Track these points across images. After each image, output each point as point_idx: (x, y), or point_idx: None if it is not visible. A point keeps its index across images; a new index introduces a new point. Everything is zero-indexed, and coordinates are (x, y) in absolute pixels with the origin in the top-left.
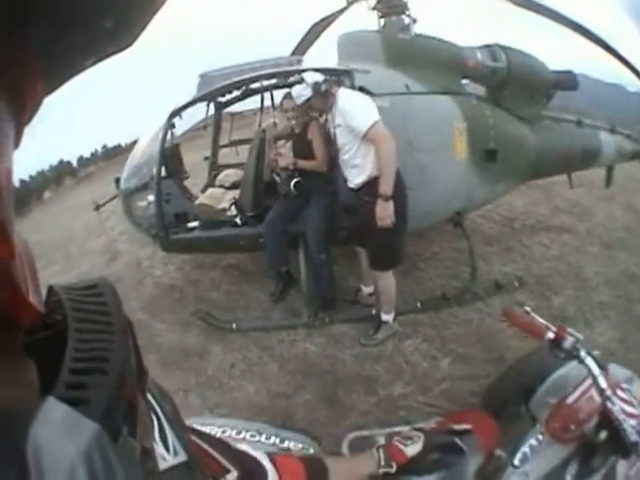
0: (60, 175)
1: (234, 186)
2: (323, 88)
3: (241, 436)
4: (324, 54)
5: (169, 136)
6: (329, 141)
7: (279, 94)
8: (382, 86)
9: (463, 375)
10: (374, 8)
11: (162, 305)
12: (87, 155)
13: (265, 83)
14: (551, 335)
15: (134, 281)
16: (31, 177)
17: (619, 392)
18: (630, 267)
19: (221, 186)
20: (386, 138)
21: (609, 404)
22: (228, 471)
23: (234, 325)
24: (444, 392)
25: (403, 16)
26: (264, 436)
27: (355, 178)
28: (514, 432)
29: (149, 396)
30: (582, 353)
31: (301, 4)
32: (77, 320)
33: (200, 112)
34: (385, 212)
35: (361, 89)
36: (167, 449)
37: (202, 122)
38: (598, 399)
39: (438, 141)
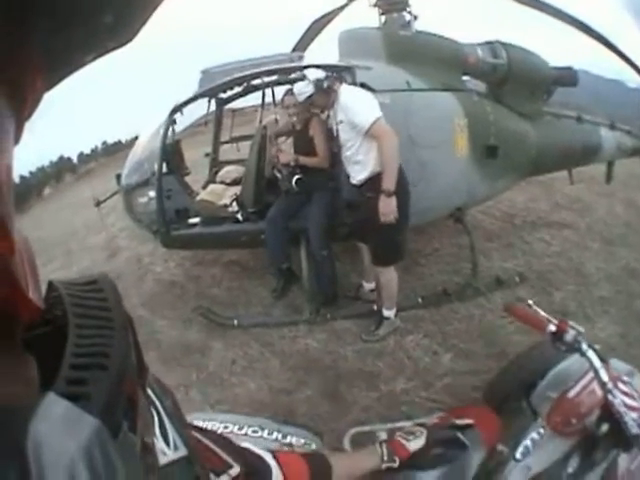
0: (60, 171)
1: (235, 182)
2: (325, 85)
3: (243, 431)
4: (325, 51)
5: (170, 132)
6: (330, 137)
7: (280, 90)
8: (383, 83)
9: (465, 370)
10: (375, 5)
11: (163, 301)
12: (87, 151)
13: (266, 79)
14: (553, 328)
15: (135, 277)
16: (31, 173)
17: (620, 385)
18: (631, 263)
19: (222, 182)
20: (388, 134)
21: (610, 397)
22: (231, 466)
23: (235, 321)
24: (446, 387)
25: (404, 13)
26: (266, 431)
27: (358, 174)
28: (516, 426)
29: (149, 391)
30: (584, 346)
31: (302, 1)
32: (77, 316)
33: (201, 108)
34: (388, 208)
35: (362, 85)
36: (167, 444)
37: (203, 118)
38: (599, 393)
39: (439, 137)
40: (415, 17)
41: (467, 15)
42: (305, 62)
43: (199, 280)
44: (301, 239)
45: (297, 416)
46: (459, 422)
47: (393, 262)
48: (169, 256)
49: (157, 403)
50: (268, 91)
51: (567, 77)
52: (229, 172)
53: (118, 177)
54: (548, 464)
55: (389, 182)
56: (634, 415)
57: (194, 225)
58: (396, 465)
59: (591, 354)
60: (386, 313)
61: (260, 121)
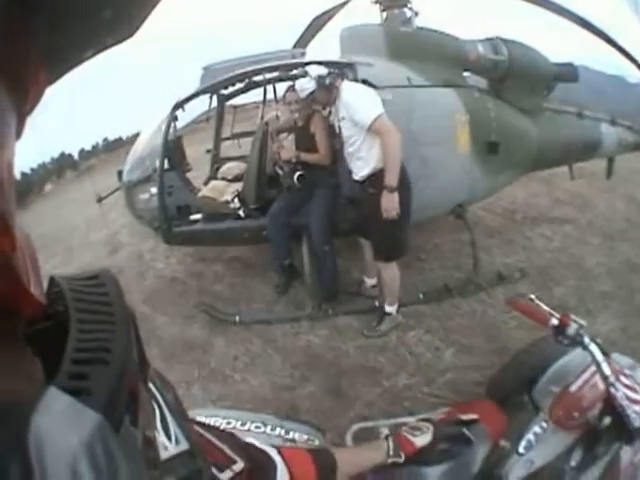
0: (61, 168)
1: (237, 179)
2: (327, 81)
3: (246, 427)
4: (326, 47)
5: (172, 129)
6: (332, 134)
7: (282, 87)
8: (385, 79)
9: (467, 365)
10: (376, 1)
11: (164, 298)
12: (88, 148)
13: (268, 76)
14: (555, 322)
15: (136, 274)
16: (32, 169)
17: (622, 378)
18: (632, 257)
19: (224, 179)
20: (391, 130)
21: (613, 390)
22: (234, 462)
23: (237, 318)
24: (448, 383)
25: (405, 9)
26: (269, 427)
27: (360, 170)
28: (518, 421)
29: (150, 385)
30: (586, 339)
31: None
32: (79, 310)
33: (202, 105)
34: (390, 204)
35: (364, 82)
36: (169, 438)
37: (204, 115)
38: (601, 386)
39: (440, 133)
40: (416, 13)
41: (468, 11)
42: (307, 58)
43: (201, 276)
44: (303, 235)
45: (300, 412)
46: (465, 417)
47: (395, 258)
48: (170, 252)
49: (158, 397)
50: (270, 87)
51: (568, 73)
52: (230, 168)
53: (119, 173)
54: (551, 458)
55: (391, 178)
56: (636, 408)
57: (196, 221)
58: (402, 460)
59: (593, 347)
60: (388, 309)
61: (261, 117)
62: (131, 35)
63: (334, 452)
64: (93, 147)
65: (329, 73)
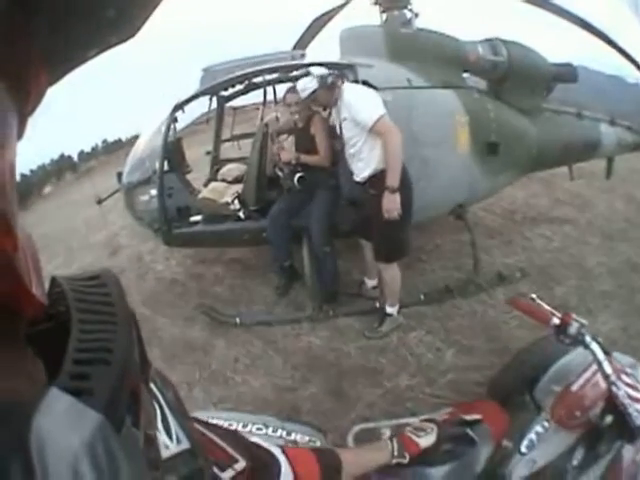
0: (61, 169)
1: (237, 180)
2: (329, 80)
3: (247, 429)
4: (325, 49)
5: (171, 130)
6: (332, 135)
7: (282, 88)
8: (385, 80)
9: (468, 366)
10: (376, 2)
11: (164, 299)
12: (88, 149)
13: (268, 77)
14: (556, 321)
15: (136, 275)
16: (32, 171)
17: (624, 377)
18: (632, 257)
19: (223, 180)
20: (393, 131)
21: (614, 389)
22: (236, 461)
23: (238, 319)
24: (449, 383)
25: (405, 10)
26: (270, 429)
27: (361, 172)
28: (520, 421)
29: (151, 384)
30: (587, 338)
31: None
32: (80, 311)
33: (202, 106)
34: (392, 204)
35: (364, 83)
36: (170, 437)
37: (204, 116)
38: (603, 385)
39: (440, 134)
40: (416, 14)
41: (467, 12)
42: (306, 60)
43: (201, 278)
44: (303, 237)
45: (301, 413)
46: (468, 418)
47: (396, 259)
48: (170, 254)
49: (159, 396)
50: (270, 89)
51: (567, 73)
52: (230, 170)
53: (119, 175)
54: (553, 457)
55: (393, 179)
56: (638, 406)
57: (195, 223)
58: (406, 461)
59: (595, 347)
60: (389, 310)
61: (261, 119)
62: (133, 35)
63: (339, 452)
64: (92, 149)
65: (331, 73)
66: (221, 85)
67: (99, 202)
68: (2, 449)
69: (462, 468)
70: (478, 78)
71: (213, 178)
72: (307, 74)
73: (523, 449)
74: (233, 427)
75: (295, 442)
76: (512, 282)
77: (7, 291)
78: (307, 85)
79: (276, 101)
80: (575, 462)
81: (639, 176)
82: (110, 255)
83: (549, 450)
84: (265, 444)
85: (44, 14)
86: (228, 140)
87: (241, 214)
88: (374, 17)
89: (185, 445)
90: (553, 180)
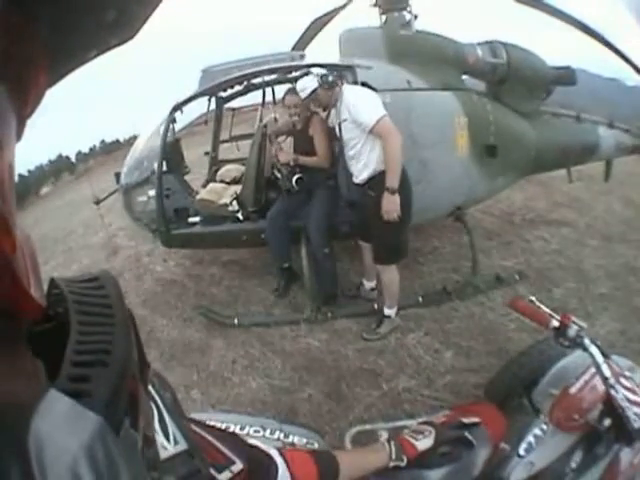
0: (59, 170)
1: (235, 181)
2: (330, 79)
3: (245, 431)
4: (324, 50)
5: (170, 131)
6: (331, 137)
7: (280, 89)
8: (384, 82)
9: (466, 368)
10: (375, 4)
11: (162, 300)
12: (86, 150)
13: (266, 78)
14: (555, 323)
15: (134, 276)
16: (29, 171)
17: (622, 380)
18: (630, 260)
19: (222, 181)
20: (393, 132)
21: (613, 392)
22: (233, 462)
23: (236, 320)
24: (448, 385)
25: (404, 12)
26: (268, 431)
27: (360, 173)
28: (518, 423)
29: (149, 386)
30: (586, 341)
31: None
32: (79, 313)
33: (201, 107)
34: (392, 205)
35: (363, 85)
36: (167, 438)
37: (203, 117)
38: (601, 388)
39: (440, 136)
40: (415, 16)
41: (467, 15)
42: (305, 61)
43: (199, 279)
44: (302, 238)
45: (299, 415)
46: (466, 421)
47: (395, 261)
48: (168, 255)
49: (157, 397)
50: (268, 90)
51: (566, 76)
52: (229, 171)
53: (117, 176)
54: (551, 460)
55: (393, 180)
56: (636, 410)
57: (194, 224)
58: (404, 464)
59: (594, 349)
60: (387, 311)
61: (260, 120)
62: (133, 36)
63: (336, 455)
64: (90, 149)
65: (331, 72)
66: (220, 86)
67: (97, 203)
68: (1, 451)
69: (460, 471)
70: (477, 80)
71: (212, 179)
72: (307, 74)
73: (521, 452)
74: (231, 429)
75: (293, 444)
76: (510, 284)
77: (5, 292)
78: (307, 84)
79: (275, 102)
80: (573, 465)
81: (637, 179)
82: (108, 256)
83: (547, 453)
84: (263, 446)
85: (44, 16)
86: (227, 141)
87: (239, 215)
88: (373, 19)
89: (182, 446)
90: (551, 183)
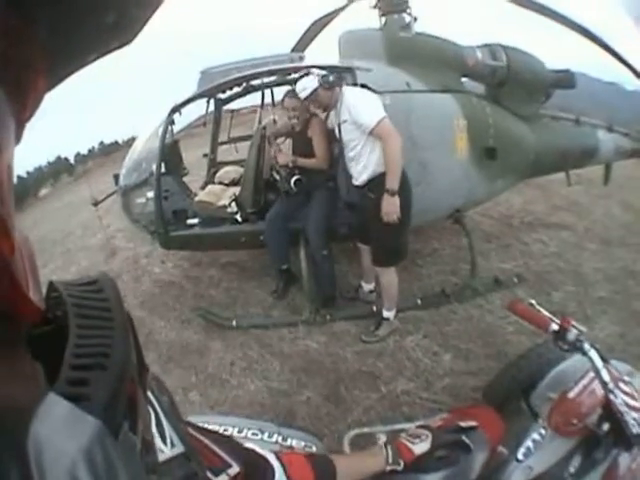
0: (57, 171)
1: (234, 183)
2: (330, 79)
3: (243, 434)
4: (324, 51)
5: (169, 133)
6: (330, 138)
7: (280, 91)
8: (383, 84)
9: (464, 371)
10: (375, 6)
11: (161, 302)
12: (84, 152)
13: (265, 80)
14: (555, 327)
15: (132, 278)
16: (28, 173)
17: (621, 385)
18: (629, 264)
19: (221, 183)
20: (393, 134)
21: (612, 397)
22: (229, 466)
23: (234, 322)
24: (446, 388)
25: (404, 14)
26: (266, 434)
27: (360, 175)
28: (516, 427)
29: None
30: (586, 345)
31: (302, 1)
32: (77, 316)
33: (200, 109)
34: (392, 207)
35: (363, 86)
36: (164, 441)
37: (202, 119)
38: (600, 393)
39: (439, 139)
40: (415, 19)
41: (467, 17)
42: (305, 63)
43: (197, 281)
44: (300, 240)
45: (297, 418)
46: (463, 424)
47: (394, 263)
48: (167, 257)
49: (153, 400)
50: (267, 92)
51: (565, 80)
52: (228, 173)
53: (116, 177)
54: (550, 464)
55: (393, 181)
56: (635, 415)
57: (192, 226)
58: (400, 468)
59: (593, 354)
60: (386, 314)
61: (259, 121)
62: (132, 39)
63: (333, 459)
64: (89, 151)
65: (332, 73)
66: (219, 87)
67: (95, 204)
68: (0, 455)
69: (457, 475)
70: (477, 83)
71: (210, 181)
72: (306, 75)
73: (520, 456)
74: (228, 432)
75: (291, 447)
76: (509, 287)
77: (4, 295)
78: (307, 84)
79: (274, 104)
80: (572, 469)
81: (636, 183)
82: (106, 258)
83: (546, 457)
84: (259, 449)
85: (43, 19)
86: (225, 143)
87: (238, 217)
88: (373, 20)
89: (179, 449)
90: (550, 186)
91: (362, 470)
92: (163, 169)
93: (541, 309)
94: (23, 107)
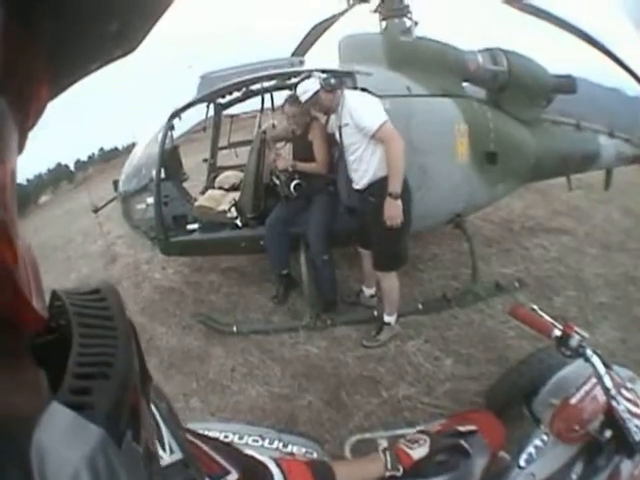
0: (57, 179)
1: (233, 188)
2: (332, 82)
3: (244, 441)
4: (324, 56)
5: (168, 138)
6: (330, 142)
7: (279, 95)
8: (384, 88)
9: (466, 375)
10: (376, 10)
11: (161, 308)
12: (84, 158)
13: (265, 84)
14: (558, 332)
15: (133, 284)
16: (28, 181)
17: (624, 392)
18: (629, 269)
19: (221, 188)
20: (395, 137)
21: (614, 403)
22: (228, 472)
23: (235, 328)
24: (448, 392)
25: (405, 19)
26: (267, 441)
27: (360, 179)
28: (518, 433)
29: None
30: (588, 351)
31: (302, 6)
32: (80, 325)
33: (199, 114)
34: (395, 211)
35: (363, 91)
36: (163, 448)
37: (201, 124)
38: (602, 399)
39: (440, 143)
40: (416, 23)
41: (468, 22)
42: (305, 67)
43: (198, 287)
44: (301, 245)
45: (298, 423)
46: (462, 429)
47: (395, 267)
48: (167, 263)
49: (152, 407)
50: (267, 96)
51: (566, 85)
52: (228, 177)
53: (115, 184)
54: (552, 471)
55: (396, 185)
56: (637, 422)
57: (192, 231)
58: (400, 473)
59: (595, 360)
60: (387, 319)
61: (259, 126)
62: (135, 48)
63: (333, 465)
64: (89, 157)
65: (334, 76)
66: (218, 92)
67: (95, 211)
68: (3, 464)
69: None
70: (478, 88)
71: (210, 186)
72: (308, 78)
73: (522, 463)
74: (229, 439)
75: (292, 454)
76: (510, 292)
77: (7, 304)
78: (308, 87)
79: (274, 109)
80: (574, 476)
81: (637, 188)
82: (107, 264)
83: (548, 464)
84: (259, 456)
85: (46, 29)
86: (225, 148)
87: (238, 222)
88: (374, 25)
89: (178, 455)
90: (550, 191)
91: (362, 476)
92: (163, 175)
93: (543, 314)
94: (26, 116)
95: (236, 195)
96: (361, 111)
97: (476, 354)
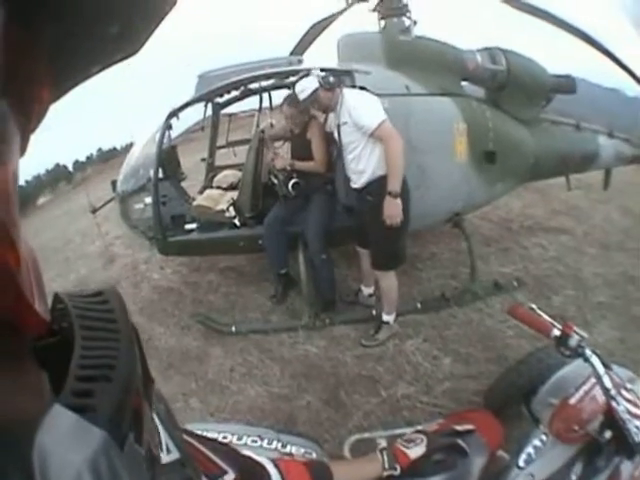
0: (56, 179)
1: (232, 187)
2: (331, 80)
3: (242, 441)
4: (323, 55)
5: (166, 138)
6: (329, 141)
7: (278, 94)
8: (382, 87)
9: (465, 374)
10: (375, 9)
11: (160, 308)
12: (82, 159)
13: (264, 83)
14: (557, 332)
15: (131, 284)
16: (27, 182)
17: (624, 392)
18: (628, 269)
19: (219, 187)
20: (394, 136)
21: (614, 404)
22: (225, 472)
23: (233, 328)
24: (446, 392)
25: (404, 18)
26: (266, 441)
27: (359, 178)
28: (517, 433)
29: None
30: (587, 351)
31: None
32: (83, 328)
33: (197, 113)
34: (394, 210)
35: (362, 89)
36: (160, 447)
37: (199, 123)
38: (601, 399)
39: (438, 142)
40: (415, 22)
41: (467, 21)
42: (304, 66)
43: (196, 286)
44: (299, 244)
45: (298, 423)
46: (459, 428)
47: (394, 267)
48: (165, 263)
49: None
50: (265, 95)
51: (566, 85)
52: (226, 177)
53: (113, 184)
54: (551, 472)
55: (395, 184)
56: (637, 423)
57: (191, 231)
58: (397, 473)
59: (595, 360)
60: (386, 318)
61: (257, 125)
62: (137, 50)
63: (331, 465)
64: (87, 158)
65: (333, 74)
66: (216, 91)
67: (93, 211)
68: (5, 466)
69: (455, 479)
70: (476, 87)
71: (208, 185)
72: (306, 76)
73: (521, 463)
74: (227, 439)
75: (290, 454)
76: (509, 291)
77: (9, 306)
78: (307, 85)
79: (272, 108)
80: (574, 477)
81: (636, 188)
82: (105, 265)
83: (547, 465)
84: (256, 456)
85: (47, 31)
86: (223, 147)
87: (236, 221)
88: (372, 24)
89: (175, 455)
90: (549, 190)
91: (359, 476)
92: (161, 174)
93: (542, 314)
94: (28, 119)
95: (234, 194)
96: (360, 110)
97: (475, 353)
